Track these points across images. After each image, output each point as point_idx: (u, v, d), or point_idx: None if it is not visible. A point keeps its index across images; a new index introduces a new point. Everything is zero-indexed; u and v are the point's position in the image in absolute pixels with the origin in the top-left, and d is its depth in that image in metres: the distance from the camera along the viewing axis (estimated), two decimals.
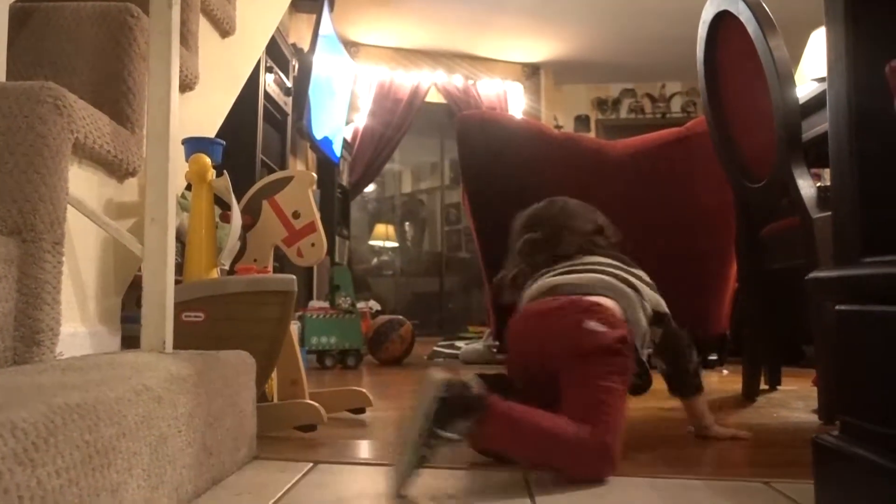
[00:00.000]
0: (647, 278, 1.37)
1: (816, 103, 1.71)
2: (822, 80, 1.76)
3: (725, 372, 2.75)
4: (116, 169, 1.22)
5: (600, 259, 1.38)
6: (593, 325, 1.15)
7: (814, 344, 1.62)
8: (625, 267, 1.36)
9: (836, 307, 0.72)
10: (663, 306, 1.35)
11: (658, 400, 1.78)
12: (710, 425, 1.39)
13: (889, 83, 0.62)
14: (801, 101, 1.66)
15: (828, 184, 1.63)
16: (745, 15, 1.68)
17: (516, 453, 1.07)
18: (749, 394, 1.96)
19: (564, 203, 1.57)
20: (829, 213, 0.98)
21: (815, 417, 1.63)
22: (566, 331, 1.16)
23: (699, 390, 1.38)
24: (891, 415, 0.64)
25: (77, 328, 1.12)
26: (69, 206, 1.02)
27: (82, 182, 1.13)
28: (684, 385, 1.37)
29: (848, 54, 0.73)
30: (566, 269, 1.36)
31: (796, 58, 2.49)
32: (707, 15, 1.90)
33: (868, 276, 0.66)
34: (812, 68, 2.57)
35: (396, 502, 0.94)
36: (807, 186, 1.61)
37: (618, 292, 1.26)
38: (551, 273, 1.37)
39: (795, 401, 1.93)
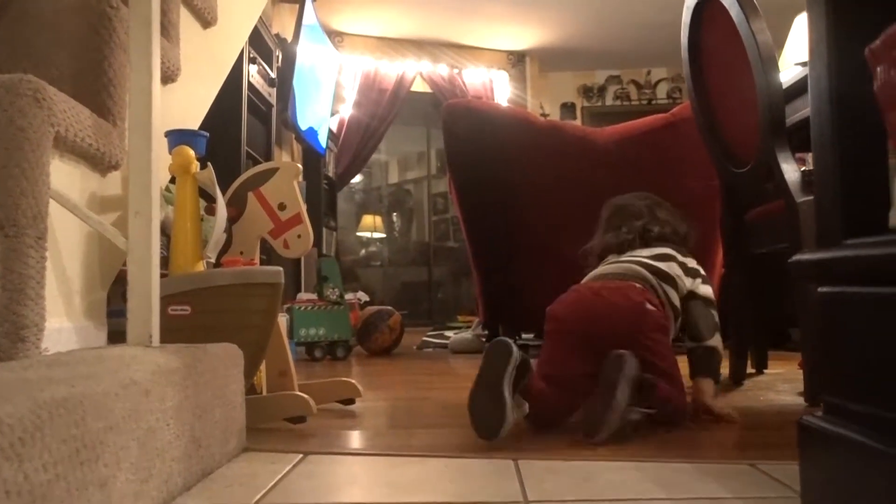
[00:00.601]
0: (690, 265, 1.56)
1: (800, 87, 1.72)
2: (805, 64, 1.77)
3: None
4: (99, 162, 1.21)
5: (648, 254, 1.57)
6: (650, 307, 1.40)
7: (799, 326, 1.64)
8: (669, 254, 1.56)
9: (819, 289, 0.72)
10: (702, 289, 1.54)
11: None
12: (711, 403, 1.45)
13: (869, 66, 0.63)
14: (784, 86, 1.66)
15: (812, 168, 1.64)
16: (728, 0, 1.69)
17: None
18: (736, 377, 1.98)
19: (654, 198, 1.78)
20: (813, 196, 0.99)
21: (801, 400, 1.64)
22: (628, 312, 1.39)
23: (711, 375, 1.51)
24: (873, 394, 0.65)
25: (62, 323, 1.12)
26: (52, 201, 1.01)
27: (64, 176, 1.12)
28: (700, 361, 1.51)
29: (829, 38, 0.74)
30: (618, 261, 1.59)
31: (780, 42, 2.50)
32: (691, 0, 1.90)
33: (849, 257, 0.67)
34: (796, 53, 2.58)
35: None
36: (791, 171, 1.62)
37: (646, 281, 1.48)
38: (607, 263, 1.61)
39: (782, 383, 1.95)
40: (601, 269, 1.58)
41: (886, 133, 0.62)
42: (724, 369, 2.05)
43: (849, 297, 0.68)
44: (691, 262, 1.58)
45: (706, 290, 1.56)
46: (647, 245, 1.62)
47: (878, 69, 0.61)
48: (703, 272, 1.58)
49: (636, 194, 1.79)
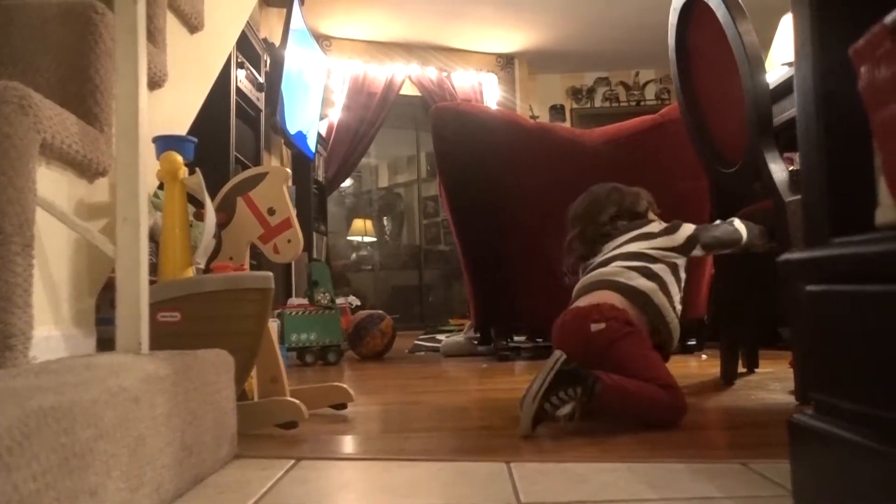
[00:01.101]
0: (657, 229, 1.65)
1: (786, 88, 1.73)
2: (791, 64, 1.78)
3: (704, 357, 2.78)
4: (86, 169, 1.20)
5: (614, 247, 1.67)
6: (595, 326, 1.46)
7: (789, 325, 1.65)
8: (635, 238, 1.64)
9: (807, 288, 0.73)
10: (684, 238, 1.63)
11: None
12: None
13: (854, 66, 0.63)
14: (771, 86, 1.67)
15: (799, 167, 1.65)
16: (714, 1, 1.69)
17: (623, 413, 1.38)
18: (727, 377, 1.98)
19: (593, 195, 1.83)
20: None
21: (792, 398, 1.65)
22: (581, 337, 1.47)
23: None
24: (862, 392, 0.65)
25: (50, 331, 1.11)
26: (38, 208, 1.01)
27: (51, 183, 1.11)
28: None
29: (813, 38, 0.74)
30: (591, 267, 1.67)
31: (767, 43, 2.52)
32: (677, 1, 1.91)
33: (837, 256, 0.67)
34: (782, 53, 2.60)
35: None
36: (778, 170, 1.63)
37: (612, 283, 1.55)
38: (586, 272, 1.68)
39: (773, 382, 1.96)
40: (581, 282, 1.66)
41: (872, 132, 0.62)
42: (715, 368, 2.07)
43: (837, 295, 0.69)
44: (656, 226, 1.67)
45: (688, 229, 1.65)
46: (610, 237, 1.71)
47: (863, 69, 0.61)
48: (673, 223, 1.67)
49: (583, 196, 1.86)
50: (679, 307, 1.60)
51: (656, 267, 1.58)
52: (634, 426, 1.34)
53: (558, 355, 1.34)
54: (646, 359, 1.45)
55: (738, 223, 1.68)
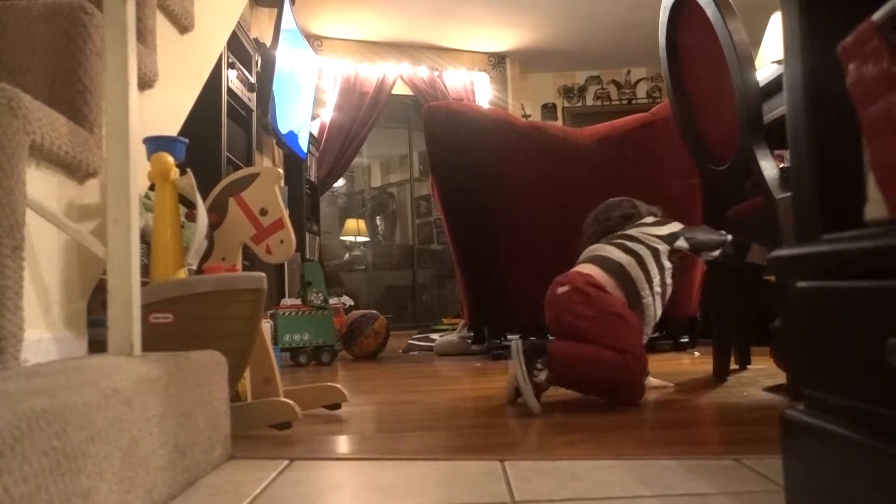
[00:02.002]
0: (655, 231, 1.77)
1: (776, 85, 1.74)
2: (781, 62, 1.79)
3: (696, 354, 2.80)
4: (76, 170, 1.20)
5: (611, 236, 1.81)
6: (560, 289, 1.67)
7: (780, 321, 1.66)
8: (633, 236, 1.77)
9: (798, 284, 0.73)
10: (667, 241, 1.75)
11: None
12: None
13: (842, 63, 0.64)
14: (761, 84, 1.68)
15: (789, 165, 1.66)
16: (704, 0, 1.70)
17: (578, 376, 1.58)
18: (720, 374, 1.99)
19: (606, 203, 1.98)
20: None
21: (766, 395, 1.66)
22: (552, 302, 1.70)
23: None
24: (853, 387, 0.65)
25: (42, 334, 1.10)
26: (28, 210, 1.00)
27: (41, 184, 1.10)
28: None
29: (802, 35, 0.74)
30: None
31: (757, 41, 2.53)
32: (668, 0, 1.92)
33: (827, 252, 0.67)
34: (772, 51, 2.61)
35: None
36: (769, 167, 1.64)
37: (597, 258, 1.73)
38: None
39: (765, 379, 1.97)
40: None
41: (860, 128, 0.63)
42: (708, 365, 2.08)
43: (827, 291, 0.69)
44: (651, 219, 1.83)
45: (677, 226, 1.79)
46: (612, 232, 1.87)
47: (851, 66, 0.62)
48: (668, 219, 1.83)
49: (600, 206, 2.01)
50: (659, 291, 1.69)
51: (636, 245, 1.72)
52: (622, 424, 1.34)
53: (516, 342, 1.55)
54: (608, 323, 1.58)
55: (725, 232, 1.78)
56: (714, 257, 1.76)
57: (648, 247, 1.73)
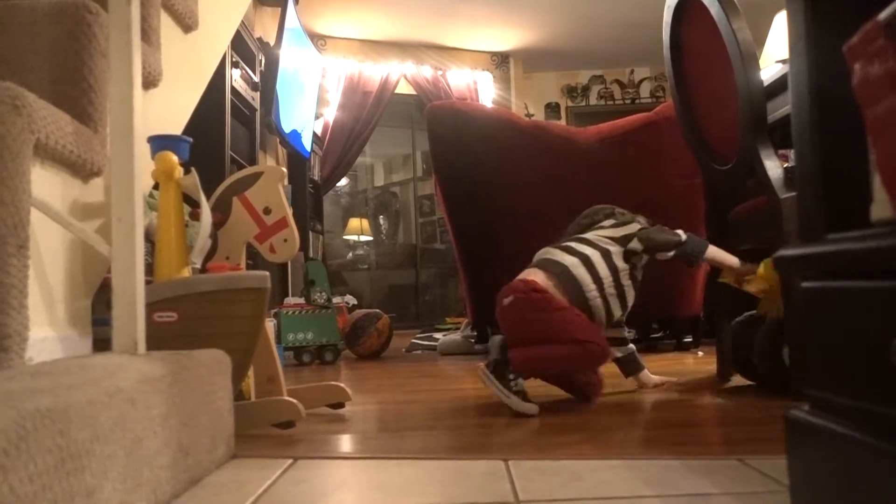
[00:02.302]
0: (609, 233, 1.76)
1: (780, 85, 1.73)
2: (785, 61, 1.79)
3: (700, 353, 2.79)
4: (80, 169, 1.20)
5: (573, 239, 1.79)
6: (505, 300, 1.67)
7: (785, 320, 1.65)
8: (585, 238, 1.77)
9: (803, 284, 0.73)
10: (620, 243, 1.74)
11: (626, 385, 1.80)
12: (728, 261, 1.77)
13: (848, 63, 0.63)
14: (765, 83, 1.68)
15: (794, 164, 1.66)
16: None
17: (548, 375, 1.69)
18: (723, 374, 1.99)
19: (591, 209, 1.92)
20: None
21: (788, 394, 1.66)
22: (501, 314, 1.71)
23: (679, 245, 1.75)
24: (857, 387, 0.65)
25: (46, 332, 1.10)
26: (33, 209, 1.00)
27: (45, 183, 1.11)
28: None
29: (807, 35, 0.74)
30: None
31: (761, 40, 2.52)
32: None
33: (832, 252, 0.67)
34: (776, 50, 2.61)
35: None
36: (773, 167, 1.64)
37: (541, 262, 1.73)
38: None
39: None
40: None
41: (866, 128, 0.63)
42: (711, 364, 2.07)
43: (832, 291, 0.69)
44: (611, 221, 1.81)
45: (635, 228, 1.77)
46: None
47: (857, 65, 0.61)
48: (627, 220, 1.80)
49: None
50: (612, 292, 1.69)
51: (584, 247, 1.72)
52: (625, 424, 1.34)
53: (482, 368, 1.59)
54: (559, 320, 1.59)
55: (682, 232, 1.77)
56: (669, 258, 1.75)
57: (598, 248, 1.72)
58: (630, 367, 1.84)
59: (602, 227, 1.79)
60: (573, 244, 1.74)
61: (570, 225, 1.90)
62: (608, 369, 1.74)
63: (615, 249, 1.72)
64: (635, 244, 1.73)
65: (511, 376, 1.53)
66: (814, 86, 0.73)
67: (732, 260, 1.77)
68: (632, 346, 1.85)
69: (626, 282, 1.72)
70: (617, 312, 1.72)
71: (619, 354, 1.81)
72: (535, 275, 1.69)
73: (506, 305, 1.66)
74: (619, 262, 1.71)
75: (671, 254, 1.74)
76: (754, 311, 1.81)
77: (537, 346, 1.57)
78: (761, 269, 1.69)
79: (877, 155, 0.61)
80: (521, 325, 1.63)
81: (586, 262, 1.68)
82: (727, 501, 0.86)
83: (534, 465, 1.07)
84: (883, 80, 0.57)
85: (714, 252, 1.76)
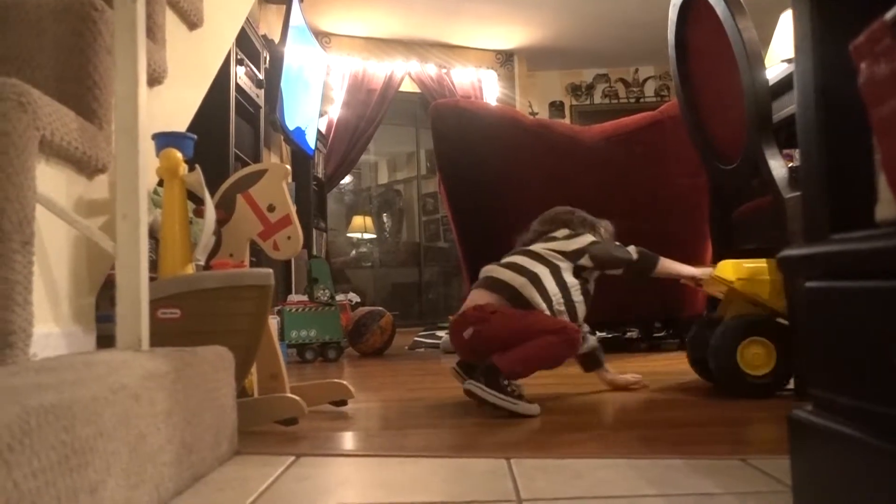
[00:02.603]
0: (561, 247, 1.73)
1: (786, 84, 1.73)
2: (790, 60, 1.78)
3: None
4: (85, 166, 1.20)
5: (521, 253, 1.77)
6: (466, 333, 1.65)
7: (789, 320, 1.65)
8: (534, 253, 1.73)
9: (807, 284, 0.73)
10: (576, 246, 1.72)
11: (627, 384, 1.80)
12: (681, 272, 1.74)
13: (854, 62, 0.63)
14: (770, 83, 1.67)
15: (799, 164, 1.66)
16: None
17: (533, 369, 1.59)
18: None
19: (552, 211, 1.90)
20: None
21: (790, 394, 1.65)
22: (463, 345, 1.70)
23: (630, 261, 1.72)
24: (861, 388, 0.65)
25: (50, 329, 1.11)
26: (38, 205, 1.01)
27: (50, 180, 1.11)
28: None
29: (813, 34, 0.74)
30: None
31: (766, 39, 2.52)
32: None
33: (836, 252, 0.67)
34: (782, 49, 2.60)
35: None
36: (778, 167, 1.63)
37: (488, 281, 1.72)
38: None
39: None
40: None
41: (871, 128, 0.62)
42: None
43: (836, 291, 0.69)
44: (564, 232, 1.78)
45: (587, 240, 1.74)
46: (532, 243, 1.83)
47: (863, 65, 0.61)
48: (580, 233, 1.77)
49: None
50: (561, 309, 1.66)
51: (533, 264, 1.69)
52: (627, 424, 1.34)
53: (470, 387, 1.52)
54: (523, 324, 1.59)
55: (633, 249, 1.72)
56: (619, 274, 1.73)
57: (548, 264, 1.69)
58: (590, 362, 1.84)
59: (554, 239, 1.76)
60: (521, 261, 1.71)
61: (531, 226, 1.88)
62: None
63: (565, 265, 1.69)
64: (586, 260, 1.70)
65: (505, 382, 1.50)
66: (819, 85, 0.73)
67: (687, 270, 1.74)
68: (595, 341, 1.85)
69: (578, 297, 1.69)
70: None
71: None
72: (485, 297, 1.67)
73: (468, 339, 1.64)
74: (570, 279, 1.69)
75: (619, 271, 1.72)
76: (714, 313, 1.81)
77: (518, 348, 1.54)
78: (716, 271, 1.70)
79: (882, 154, 0.61)
80: (493, 348, 1.58)
81: (535, 280, 1.66)
82: (730, 501, 0.85)
83: (536, 464, 1.07)
84: (889, 80, 0.57)
85: (666, 266, 1.73)
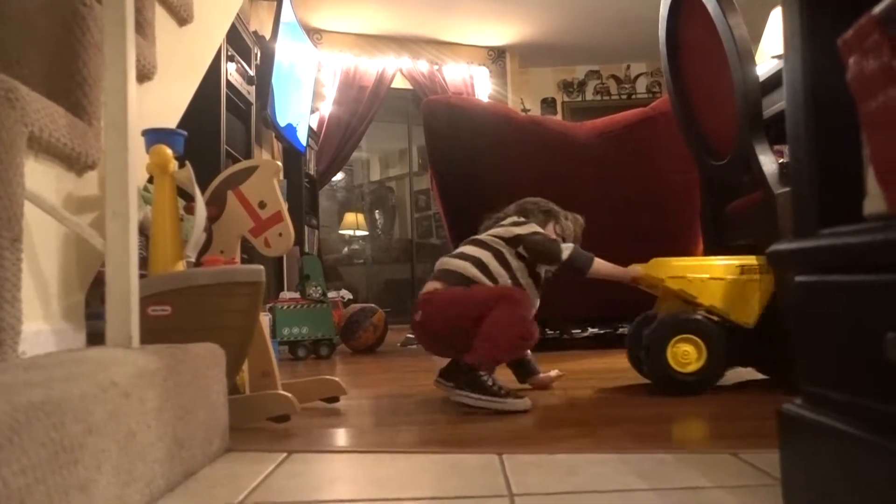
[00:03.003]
0: (500, 234, 1.74)
1: (776, 80, 1.74)
2: (781, 56, 1.79)
3: None
4: (75, 162, 1.20)
5: (469, 242, 1.80)
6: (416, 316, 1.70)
7: (780, 314, 1.66)
8: (479, 240, 1.77)
9: (797, 278, 0.73)
10: (516, 233, 1.73)
11: (622, 380, 1.81)
12: (613, 273, 1.74)
13: (842, 57, 0.63)
14: (761, 79, 1.68)
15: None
16: None
17: (505, 351, 1.61)
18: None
19: (521, 202, 1.91)
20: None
21: (781, 389, 1.66)
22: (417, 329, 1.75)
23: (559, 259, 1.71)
24: (850, 382, 0.65)
25: (40, 326, 1.10)
26: (27, 202, 1.00)
27: (39, 176, 1.10)
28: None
29: (802, 30, 0.74)
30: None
31: (757, 36, 2.52)
32: None
33: (825, 246, 0.68)
34: (772, 46, 2.61)
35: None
36: (768, 162, 1.64)
37: (440, 272, 1.74)
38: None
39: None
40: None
41: (860, 123, 0.63)
42: None
43: (825, 286, 0.69)
44: (512, 220, 1.79)
45: (530, 229, 1.74)
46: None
47: (851, 60, 0.61)
48: (527, 221, 1.77)
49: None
50: (508, 284, 1.68)
51: (478, 250, 1.72)
52: (617, 419, 1.34)
53: (456, 396, 1.55)
54: (464, 294, 1.63)
55: (566, 246, 1.71)
56: (551, 272, 1.74)
57: (490, 249, 1.72)
58: (522, 372, 1.85)
59: (502, 226, 1.78)
60: (467, 248, 1.75)
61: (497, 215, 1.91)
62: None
63: (507, 250, 1.71)
64: (522, 249, 1.72)
65: (489, 381, 1.50)
66: (808, 80, 0.73)
67: (622, 272, 1.74)
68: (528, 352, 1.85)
69: (525, 279, 1.70)
70: None
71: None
72: (434, 286, 1.71)
73: (419, 321, 1.67)
74: (514, 261, 1.70)
75: (552, 269, 1.73)
76: (650, 311, 1.82)
77: (480, 336, 1.54)
78: (647, 269, 1.71)
79: (870, 149, 0.62)
80: (436, 325, 1.63)
81: (478, 263, 1.69)
82: (720, 495, 0.86)
83: (528, 459, 1.07)
84: (877, 75, 0.57)
85: (601, 267, 1.71)
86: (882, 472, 0.59)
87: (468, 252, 1.73)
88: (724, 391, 1.71)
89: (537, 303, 1.76)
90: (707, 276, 1.67)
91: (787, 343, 1.59)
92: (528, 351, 1.84)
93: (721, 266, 1.68)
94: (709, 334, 1.65)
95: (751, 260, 1.67)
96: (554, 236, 1.80)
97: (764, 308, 1.66)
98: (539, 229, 1.75)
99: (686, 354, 1.65)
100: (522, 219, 1.80)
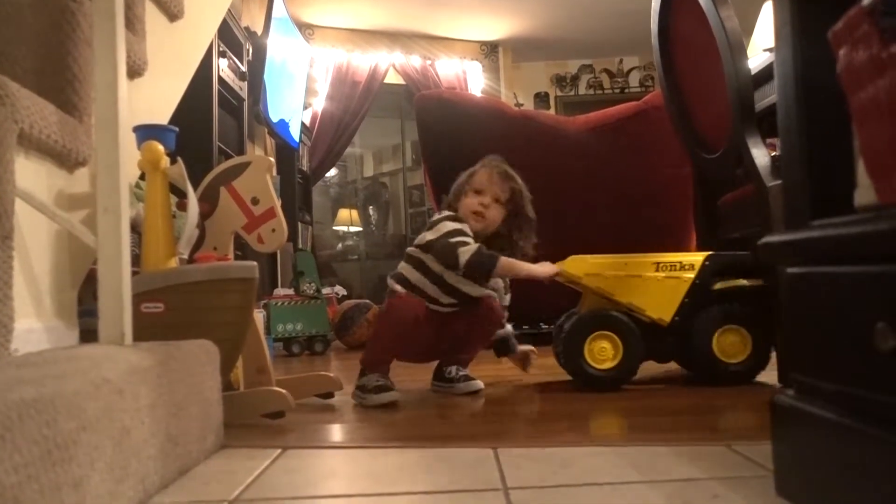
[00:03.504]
0: (418, 240, 1.74)
1: (768, 73, 1.74)
2: (772, 50, 1.79)
3: None
4: (65, 159, 1.19)
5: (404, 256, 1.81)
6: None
7: (773, 306, 1.66)
8: (407, 252, 1.78)
9: (788, 270, 0.73)
10: (427, 239, 1.70)
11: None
12: (520, 271, 1.68)
13: (833, 49, 0.64)
14: (753, 72, 1.68)
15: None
16: None
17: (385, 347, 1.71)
18: None
19: None
20: None
21: (774, 380, 1.67)
22: None
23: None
24: (842, 372, 0.66)
25: (32, 324, 1.10)
26: (18, 199, 0.99)
27: (30, 174, 1.10)
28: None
29: (793, 22, 0.74)
30: None
31: (749, 29, 2.53)
32: None
33: (816, 238, 0.68)
34: (764, 39, 2.61)
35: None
36: (761, 155, 1.64)
37: (395, 276, 1.76)
38: None
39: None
40: None
41: (850, 115, 0.63)
42: None
43: (816, 277, 0.69)
44: (436, 219, 1.74)
45: (445, 228, 1.68)
46: None
47: (841, 51, 0.62)
48: (439, 221, 1.71)
49: None
50: (422, 289, 1.69)
51: (402, 263, 1.77)
52: (611, 412, 1.34)
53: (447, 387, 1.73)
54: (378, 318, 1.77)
55: (467, 249, 1.61)
56: (460, 273, 1.66)
57: (412, 259, 1.74)
58: (501, 348, 1.88)
59: (425, 230, 1.75)
60: (400, 264, 1.78)
61: None
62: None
63: (424, 256, 1.71)
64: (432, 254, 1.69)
65: (363, 379, 1.62)
66: (799, 73, 0.73)
67: (532, 269, 1.66)
68: (510, 329, 1.88)
69: (455, 279, 1.68)
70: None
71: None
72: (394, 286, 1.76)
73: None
74: (435, 265, 1.68)
75: (461, 271, 1.64)
76: (574, 308, 1.84)
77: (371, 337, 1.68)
78: (563, 267, 1.70)
79: (861, 140, 0.62)
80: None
81: (399, 278, 1.73)
82: (714, 486, 0.86)
83: (522, 453, 1.07)
84: (867, 66, 0.58)
85: (508, 266, 1.63)
86: (874, 461, 0.59)
87: (398, 268, 1.78)
88: (716, 383, 1.72)
89: (507, 298, 1.79)
90: (623, 273, 1.69)
91: (701, 340, 1.66)
92: (509, 327, 1.87)
93: (636, 263, 1.70)
94: (625, 331, 1.66)
95: (668, 257, 1.70)
96: (475, 209, 1.70)
97: (680, 305, 1.68)
98: (450, 225, 1.67)
99: (603, 351, 1.67)
100: (439, 214, 1.74)
